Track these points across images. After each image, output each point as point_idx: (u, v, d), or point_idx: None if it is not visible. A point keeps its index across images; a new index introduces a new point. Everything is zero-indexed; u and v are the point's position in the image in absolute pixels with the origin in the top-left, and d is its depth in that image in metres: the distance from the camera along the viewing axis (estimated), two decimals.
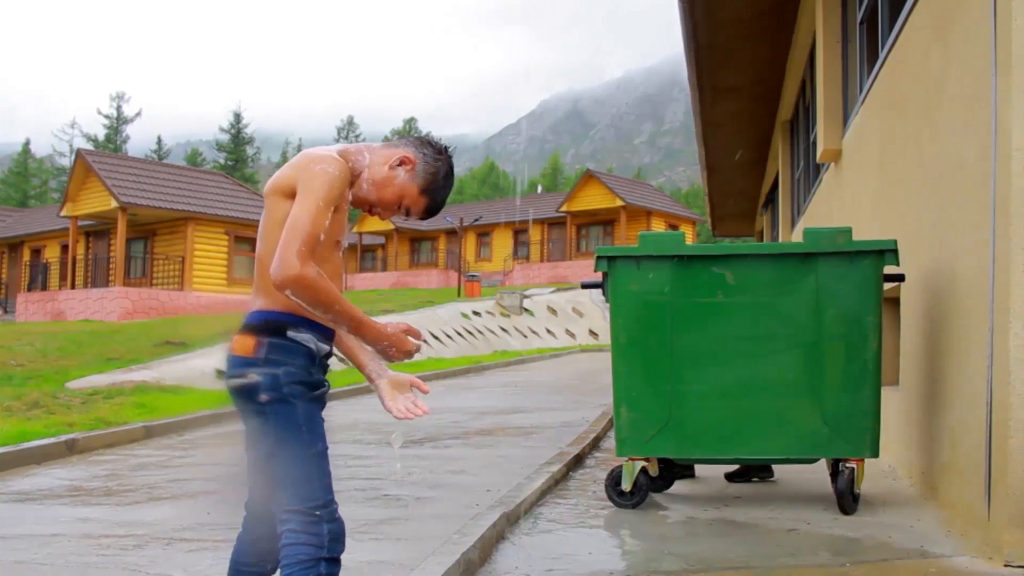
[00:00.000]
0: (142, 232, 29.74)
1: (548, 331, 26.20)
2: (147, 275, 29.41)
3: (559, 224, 45.43)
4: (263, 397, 2.32)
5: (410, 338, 2.40)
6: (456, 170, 2.63)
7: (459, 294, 31.25)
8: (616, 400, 4.85)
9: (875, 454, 4.65)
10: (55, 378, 11.90)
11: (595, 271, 4.91)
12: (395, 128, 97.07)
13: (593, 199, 42.96)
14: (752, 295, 4.74)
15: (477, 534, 3.93)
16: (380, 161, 2.48)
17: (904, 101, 5.41)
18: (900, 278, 4.91)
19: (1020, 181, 3.47)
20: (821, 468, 5.34)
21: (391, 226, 48.64)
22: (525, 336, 25.17)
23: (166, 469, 6.86)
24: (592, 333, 26.62)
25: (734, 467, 5.58)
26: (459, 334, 22.77)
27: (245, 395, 2.35)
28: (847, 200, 7.72)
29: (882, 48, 6.17)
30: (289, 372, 2.33)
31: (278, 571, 2.37)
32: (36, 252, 36.77)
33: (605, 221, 43.34)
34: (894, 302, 5.80)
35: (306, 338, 2.36)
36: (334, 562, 2.31)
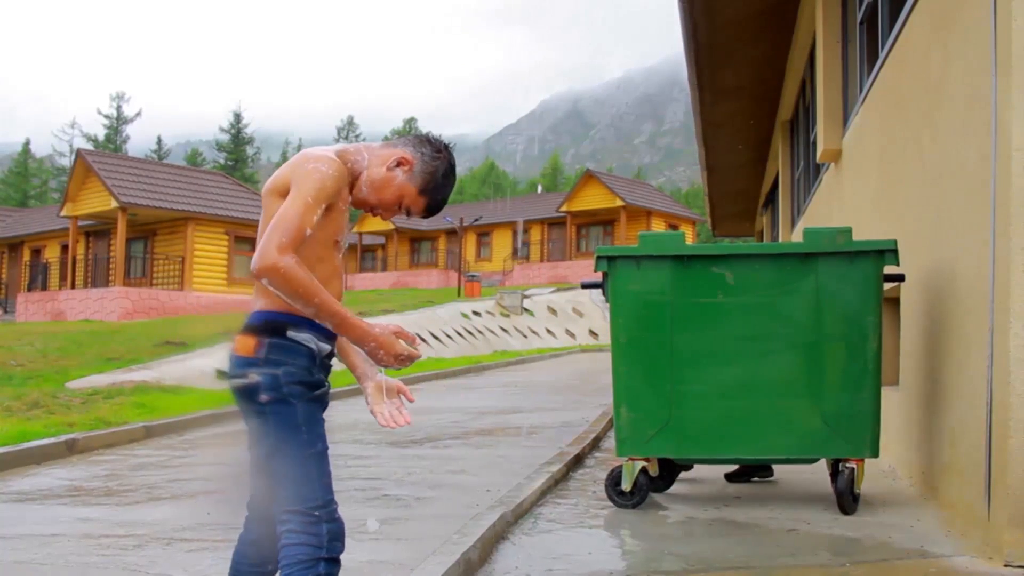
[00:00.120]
0: (142, 232, 29.74)
1: (548, 331, 26.20)
2: (147, 275, 29.40)
3: (559, 224, 45.43)
4: (263, 397, 2.32)
5: (402, 342, 2.34)
6: (456, 169, 2.62)
7: (459, 294, 31.27)
8: (616, 400, 4.85)
9: (875, 454, 4.65)
10: (55, 378, 11.90)
11: (595, 271, 4.90)
12: (395, 128, 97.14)
13: (593, 199, 42.96)
14: (752, 295, 4.74)
15: (477, 534, 3.93)
16: (378, 162, 2.48)
17: (904, 101, 5.41)
18: (900, 278, 4.91)
19: (1020, 181, 3.47)
20: (821, 468, 5.34)
21: (391, 226, 48.65)
22: (525, 336, 25.17)
23: (166, 469, 6.86)
24: (592, 333, 26.63)
25: (734, 467, 5.59)
26: (459, 334, 22.77)
27: (246, 395, 2.35)
28: (847, 200, 7.72)
29: (882, 48, 6.17)
30: (289, 372, 2.32)
31: (278, 572, 2.37)
32: (36, 252, 36.77)
33: (605, 221, 43.34)
34: (894, 302, 5.80)
35: (306, 338, 2.35)
36: (334, 562, 2.31)
